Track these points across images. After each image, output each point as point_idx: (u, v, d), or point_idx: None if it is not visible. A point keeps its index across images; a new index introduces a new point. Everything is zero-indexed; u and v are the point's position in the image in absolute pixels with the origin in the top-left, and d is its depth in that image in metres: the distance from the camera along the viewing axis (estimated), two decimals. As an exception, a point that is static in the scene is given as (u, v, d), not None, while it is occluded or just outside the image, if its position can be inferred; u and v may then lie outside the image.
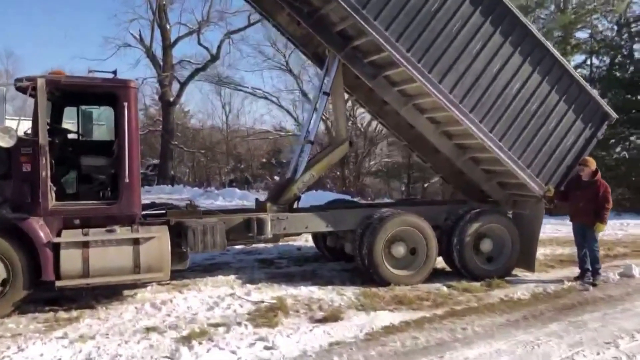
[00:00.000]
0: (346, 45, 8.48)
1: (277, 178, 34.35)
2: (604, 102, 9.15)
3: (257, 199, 9.28)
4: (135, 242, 7.04)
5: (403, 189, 29.14)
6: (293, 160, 9.30)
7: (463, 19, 8.12)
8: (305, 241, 11.41)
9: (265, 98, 35.53)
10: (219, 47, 31.00)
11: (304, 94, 34.13)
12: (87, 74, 7.58)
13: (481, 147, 8.82)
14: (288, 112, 35.20)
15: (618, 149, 19.75)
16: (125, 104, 7.10)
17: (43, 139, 6.52)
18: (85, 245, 6.82)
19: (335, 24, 8.38)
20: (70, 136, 8.23)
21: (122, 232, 7.07)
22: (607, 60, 22.43)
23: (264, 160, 36.26)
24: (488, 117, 8.46)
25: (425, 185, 28.43)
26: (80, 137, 8.37)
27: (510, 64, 8.45)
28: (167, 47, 31.43)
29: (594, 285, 8.50)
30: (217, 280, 8.42)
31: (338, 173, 29.54)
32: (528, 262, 9.09)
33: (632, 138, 19.69)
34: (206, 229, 7.47)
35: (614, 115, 9.29)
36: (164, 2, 30.92)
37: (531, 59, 8.55)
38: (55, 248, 6.70)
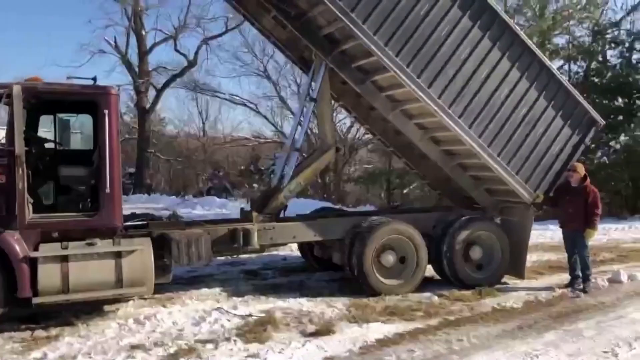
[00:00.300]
0: (334, 49, 8.31)
1: (255, 186, 34.07)
2: (591, 108, 9.11)
3: (242, 209, 9.04)
4: (117, 255, 6.76)
5: (383, 195, 29.06)
6: (278, 168, 9.10)
7: (451, 23, 8.01)
8: (291, 251, 11.17)
9: (244, 105, 35.33)
10: (196, 53, 30.65)
11: (283, 101, 34.02)
12: (65, 80, 7.30)
13: (469, 153, 8.72)
14: (266, 118, 35.03)
15: (598, 154, 19.93)
16: (106, 111, 6.82)
17: (19, 148, 6.19)
18: (64, 259, 6.51)
19: (323, 28, 8.21)
20: (47, 145, 7.88)
21: (103, 245, 6.78)
22: (584, 66, 22.67)
23: (243, 167, 35.86)
24: (477, 123, 8.36)
25: (405, 191, 28.42)
26: (57, 147, 8.02)
27: (498, 69, 8.37)
28: (143, 53, 30.93)
29: (584, 292, 8.42)
30: (201, 293, 8.14)
31: (319, 180, 29.34)
32: (518, 269, 8.99)
33: (611, 143, 19.88)
34: (191, 241, 7.20)
35: (601, 121, 9.27)
36: (140, 8, 30.47)
37: (519, 65, 8.48)
38: (33, 263, 6.37)
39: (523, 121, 8.64)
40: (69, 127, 8.95)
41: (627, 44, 21.59)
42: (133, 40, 30.69)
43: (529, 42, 8.60)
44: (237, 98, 34.86)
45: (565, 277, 9.18)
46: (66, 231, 6.77)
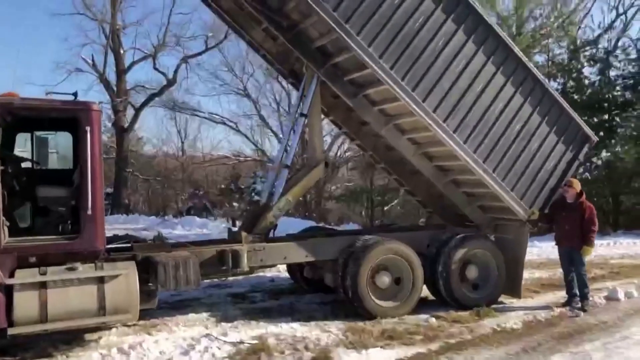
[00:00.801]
0: (326, 62, 8.06)
1: (236, 205, 33.57)
2: (584, 124, 8.99)
3: (229, 229, 8.68)
4: (100, 280, 6.34)
5: (364, 213, 28.86)
6: (267, 186, 8.78)
7: (446, 36, 7.82)
8: (279, 272, 10.79)
9: (223, 123, 34.98)
10: (175, 72, 30.28)
11: (263, 119, 33.75)
12: (44, 96, 6.92)
13: (463, 169, 8.52)
14: (247, 137, 34.70)
15: (580, 170, 19.95)
16: (88, 128, 6.44)
17: (-8, 167, 5.79)
18: (42, 286, 6.08)
19: (315, 40, 7.97)
20: (23, 165, 7.46)
21: (84, 269, 6.36)
22: (563, 83, 22.86)
23: (223, 186, 35.34)
24: (472, 138, 8.15)
25: (385, 208, 28.24)
26: (34, 166, 7.60)
27: (493, 83, 8.20)
28: (121, 72, 30.47)
29: (584, 310, 8.22)
30: (188, 319, 7.74)
31: (300, 198, 29.01)
32: (514, 288, 8.75)
33: (593, 159, 19.95)
34: (178, 264, 6.79)
35: (595, 137, 9.16)
36: (118, 27, 30.05)
37: (513, 79, 8.32)
38: (8, 290, 5.94)
39: (518, 136, 8.47)
40: (47, 146, 8.52)
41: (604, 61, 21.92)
42: (111, 58, 30.23)
43: (522, 56, 8.45)
44: (217, 117, 34.54)
45: (560, 294, 9.03)
46: (44, 255, 6.34)
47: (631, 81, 21.54)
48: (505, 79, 8.29)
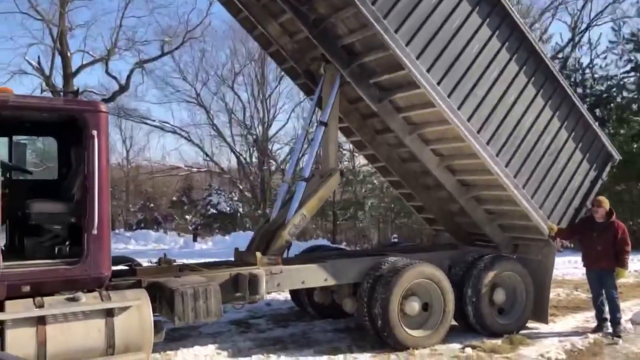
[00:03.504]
0: (351, 62, 7.30)
1: (188, 217, 32.13)
2: (608, 141, 8.61)
3: (236, 249, 7.70)
4: (108, 313, 5.33)
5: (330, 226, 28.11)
6: (279, 201, 7.90)
7: (481, 42, 7.25)
8: (277, 294, 9.85)
9: (174, 132, 33.58)
10: (128, 77, 28.63)
11: (216, 129, 32.59)
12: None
13: (489, 184, 7.97)
14: (199, 147, 33.39)
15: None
16: (95, 132, 5.44)
17: (-8, 177, 4.72)
18: (40, 321, 5.02)
19: (342, 37, 7.21)
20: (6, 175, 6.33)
21: (88, 300, 5.33)
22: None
23: (174, 198, 33.81)
24: (503, 151, 7.60)
25: (338, 222, 27.53)
26: (19, 176, 6.49)
27: (525, 94, 7.69)
28: (69, 75, 28.54)
29: (618, 336, 7.73)
30: (195, 352, 6.77)
31: (259, 211, 28.03)
32: (540, 313, 8.21)
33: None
34: (197, 293, 5.81)
35: (618, 156, 8.78)
36: (64, 28, 28.21)
37: (544, 91, 7.84)
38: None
39: (547, 151, 7.99)
40: (25, 153, 7.41)
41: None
42: (58, 61, 28.33)
43: (553, 67, 7.99)
44: (168, 125, 33.08)
45: (582, 316, 8.62)
46: (39, 284, 5.27)
47: (594, 99, 21.75)
48: (536, 90, 7.80)
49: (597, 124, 8.72)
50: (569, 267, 13.57)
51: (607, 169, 8.69)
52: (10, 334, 4.88)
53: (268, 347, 7.06)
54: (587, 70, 22.23)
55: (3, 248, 5.67)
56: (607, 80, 21.43)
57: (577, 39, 24.17)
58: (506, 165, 7.62)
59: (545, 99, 7.89)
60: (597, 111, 20.20)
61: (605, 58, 22.63)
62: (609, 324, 7.95)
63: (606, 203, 8.01)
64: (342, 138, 9.62)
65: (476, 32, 7.21)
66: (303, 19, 7.11)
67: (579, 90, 21.47)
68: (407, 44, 6.71)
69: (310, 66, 8.13)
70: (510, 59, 7.52)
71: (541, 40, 23.31)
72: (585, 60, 23.79)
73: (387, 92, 7.48)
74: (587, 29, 24.93)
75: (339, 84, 7.55)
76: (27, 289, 5.17)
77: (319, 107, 7.96)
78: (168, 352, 6.73)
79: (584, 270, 8.42)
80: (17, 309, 5.01)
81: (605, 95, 20.94)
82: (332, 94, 7.55)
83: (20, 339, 4.91)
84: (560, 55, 23.79)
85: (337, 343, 7.28)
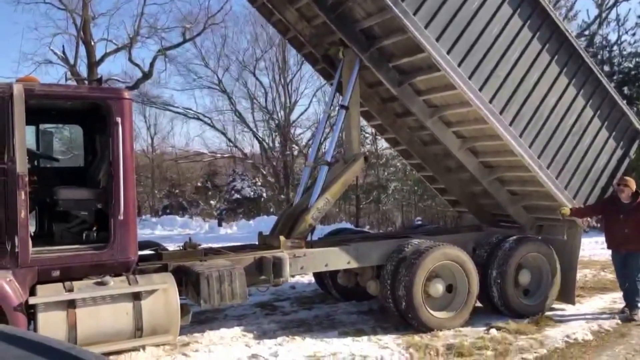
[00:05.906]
0: (370, 46, 7.27)
1: (213, 203, 32.46)
2: (636, 119, 8.44)
3: (260, 233, 7.79)
4: (136, 297, 5.46)
5: (353, 210, 28.14)
6: (302, 185, 7.95)
7: (502, 21, 7.15)
8: (301, 277, 9.94)
9: (197, 119, 33.77)
10: (151, 65, 28.85)
11: (238, 114, 32.68)
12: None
13: (512, 166, 7.90)
14: (223, 133, 33.54)
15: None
16: (119, 119, 5.54)
17: (21, 166, 4.82)
18: (71, 305, 5.17)
19: (359, 21, 7.16)
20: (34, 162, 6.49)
21: (116, 284, 5.46)
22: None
23: (199, 184, 34.13)
24: (527, 132, 7.51)
25: (361, 206, 27.53)
26: (47, 163, 6.64)
27: (547, 73, 7.56)
28: (93, 64, 28.90)
29: (632, 320, 7.59)
30: (221, 335, 6.86)
31: (282, 196, 28.18)
32: (567, 294, 8.15)
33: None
34: (223, 276, 5.91)
35: (646, 132, 8.61)
36: (87, 17, 28.49)
37: (567, 70, 7.70)
38: (30, 310, 5.01)
39: (571, 131, 7.87)
40: (52, 141, 7.55)
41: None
42: (82, 50, 28.67)
43: (577, 45, 7.84)
44: (191, 111, 33.29)
45: (609, 297, 8.61)
46: (68, 268, 5.41)
47: (622, 76, 21.30)
48: (560, 69, 7.67)
49: (624, 101, 8.56)
50: (595, 247, 13.42)
51: (635, 146, 8.54)
52: (42, 317, 5.04)
53: (293, 329, 7.15)
54: (615, 47, 21.72)
55: (33, 234, 5.85)
56: (636, 57, 20.93)
57: (604, 15, 23.50)
58: (530, 146, 7.54)
59: (569, 77, 7.76)
60: (625, 89, 19.71)
61: (634, 34, 22.01)
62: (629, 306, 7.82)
63: (633, 183, 7.85)
64: (363, 122, 9.58)
65: (496, 12, 7.10)
66: (320, 4, 7.10)
67: (606, 68, 21.04)
68: (426, 27, 6.65)
69: (328, 51, 8.12)
70: (532, 38, 7.40)
71: (567, 18, 22.78)
72: (612, 37, 23.20)
73: (407, 76, 7.44)
74: (614, 4, 24.19)
75: (358, 68, 7.53)
76: (56, 273, 5.32)
77: (339, 92, 7.95)
78: (195, 334, 6.86)
79: (609, 251, 8.32)
80: (48, 292, 5.16)
81: (633, 72, 20.47)
82: (352, 78, 7.54)
83: (51, 322, 5.06)
84: (586, 33, 23.32)
85: (361, 325, 7.34)
